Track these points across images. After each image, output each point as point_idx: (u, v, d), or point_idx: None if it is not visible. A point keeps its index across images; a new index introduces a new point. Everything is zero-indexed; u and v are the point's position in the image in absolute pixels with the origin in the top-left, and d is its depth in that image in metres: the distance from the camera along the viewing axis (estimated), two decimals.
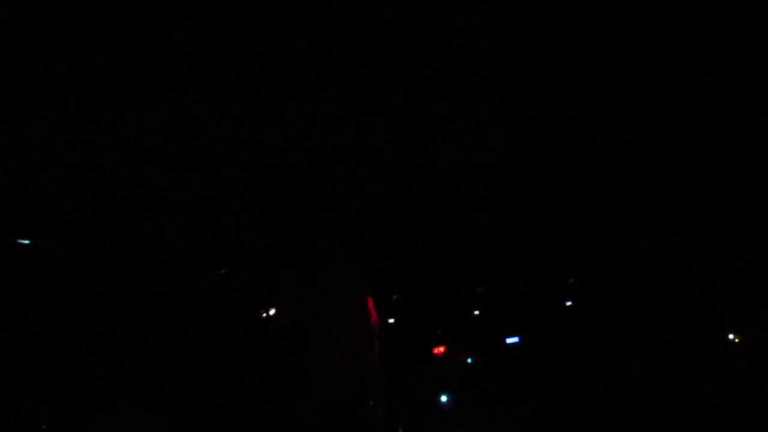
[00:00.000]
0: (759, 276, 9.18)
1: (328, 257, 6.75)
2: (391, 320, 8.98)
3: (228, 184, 9.20)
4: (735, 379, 8.35)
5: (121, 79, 8.60)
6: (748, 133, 9.28)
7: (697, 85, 9.13)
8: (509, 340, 9.24)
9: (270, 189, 9.26)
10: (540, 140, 9.58)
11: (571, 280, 9.62)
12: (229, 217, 9.25)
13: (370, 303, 6.77)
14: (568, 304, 9.54)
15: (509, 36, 8.90)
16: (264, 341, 7.76)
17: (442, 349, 9.15)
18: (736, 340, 9.00)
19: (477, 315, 9.66)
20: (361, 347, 6.52)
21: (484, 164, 9.70)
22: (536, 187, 9.77)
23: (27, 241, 8.26)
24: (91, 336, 7.89)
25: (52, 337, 7.86)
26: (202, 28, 8.54)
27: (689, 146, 9.37)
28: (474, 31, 8.82)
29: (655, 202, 9.62)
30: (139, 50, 8.51)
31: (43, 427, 7.14)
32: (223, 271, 8.33)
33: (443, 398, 8.62)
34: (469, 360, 9.06)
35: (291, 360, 7.51)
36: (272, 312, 7.24)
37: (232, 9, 8.49)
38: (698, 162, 9.48)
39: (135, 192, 9.01)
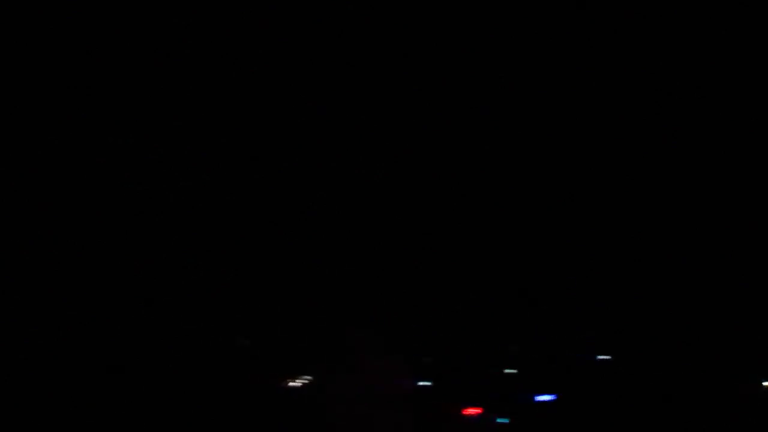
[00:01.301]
0: None
1: (354, 325, 6.68)
2: (424, 383, 8.94)
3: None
4: None
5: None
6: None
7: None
8: (541, 398, 9.09)
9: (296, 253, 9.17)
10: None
11: (588, 333, 9.47)
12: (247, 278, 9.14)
13: (396, 368, 6.68)
14: (600, 358, 9.40)
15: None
16: (283, 411, 7.66)
17: (474, 410, 9.02)
18: None
19: (509, 373, 9.55)
20: (384, 415, 6.44)
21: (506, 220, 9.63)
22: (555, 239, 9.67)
23: None
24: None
25: None
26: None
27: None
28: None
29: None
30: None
31: None
32: (247, 342, 8.22)
33: None
34: (500, 420, 8.93)
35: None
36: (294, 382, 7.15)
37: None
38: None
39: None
